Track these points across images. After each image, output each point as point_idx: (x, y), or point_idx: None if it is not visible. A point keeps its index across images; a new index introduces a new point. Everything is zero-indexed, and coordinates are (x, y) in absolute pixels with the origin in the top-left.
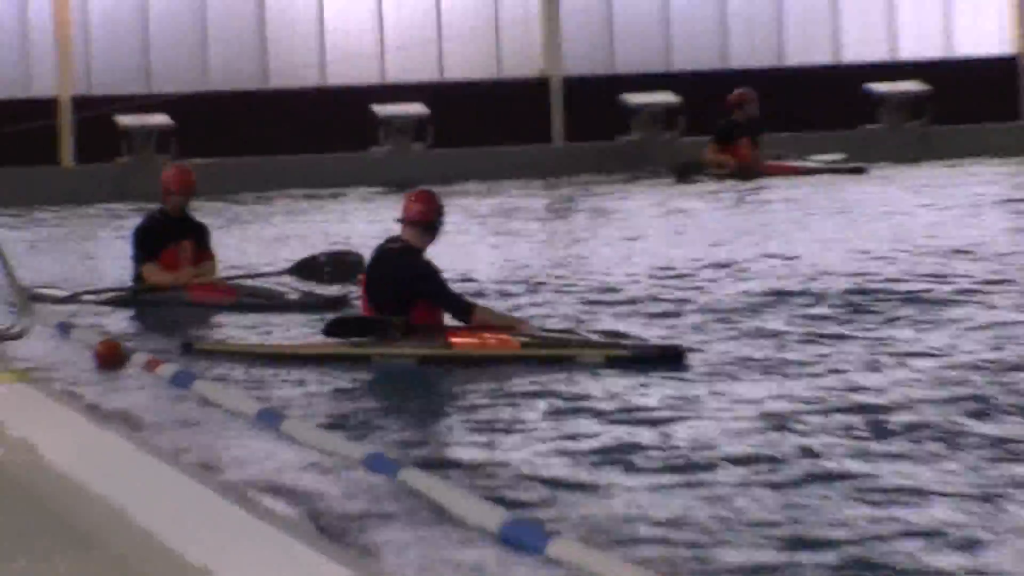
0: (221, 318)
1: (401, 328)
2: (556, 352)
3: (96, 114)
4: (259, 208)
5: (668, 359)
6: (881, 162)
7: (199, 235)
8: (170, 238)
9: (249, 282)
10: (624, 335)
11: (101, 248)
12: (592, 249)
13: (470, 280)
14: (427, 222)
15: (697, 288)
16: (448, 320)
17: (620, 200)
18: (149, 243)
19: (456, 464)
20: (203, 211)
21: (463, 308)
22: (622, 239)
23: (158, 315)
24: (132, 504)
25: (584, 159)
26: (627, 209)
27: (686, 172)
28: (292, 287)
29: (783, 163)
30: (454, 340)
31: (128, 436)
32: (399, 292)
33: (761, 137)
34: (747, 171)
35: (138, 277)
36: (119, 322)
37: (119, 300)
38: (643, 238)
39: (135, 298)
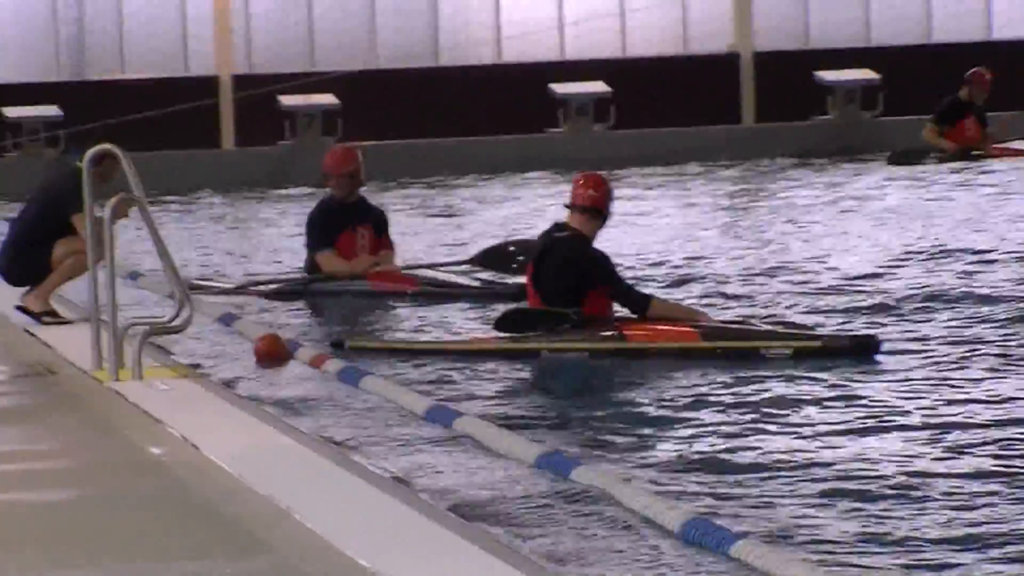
0: (399, 310)
1: (575, 320)
2: (739, 345)
3: (258, 94)
4: (430, 193)
5: (861, 351)
6: None
7: (376, 222)
8: (346, 224)
9: (430, 272)
10: (803, 326)
11: (265, 235)
12: (782, 235)
13: (649, 269)
14: (596, 208)
15: (891, 277)
16: (620, 312)
17: (824, 184)
18: (323, 230)
19: (629, 462)
20: (372, 197)
21: (638, 300)
22: (817, 225)
23: (331, 306)
24: (298, 504)
25: (776, 140)
26: (826, 193)
27: (907, 159)
28: (475, 277)
29: (1010, 146)
30: (628, 332)
31: (293, 435)
32: (569, 282)
33: (986, 118)
34: (966, 153)
35: (312, 266)
36: (287, 314)
37: (291, 291)
38: (841, 225)
39: (308, 288)
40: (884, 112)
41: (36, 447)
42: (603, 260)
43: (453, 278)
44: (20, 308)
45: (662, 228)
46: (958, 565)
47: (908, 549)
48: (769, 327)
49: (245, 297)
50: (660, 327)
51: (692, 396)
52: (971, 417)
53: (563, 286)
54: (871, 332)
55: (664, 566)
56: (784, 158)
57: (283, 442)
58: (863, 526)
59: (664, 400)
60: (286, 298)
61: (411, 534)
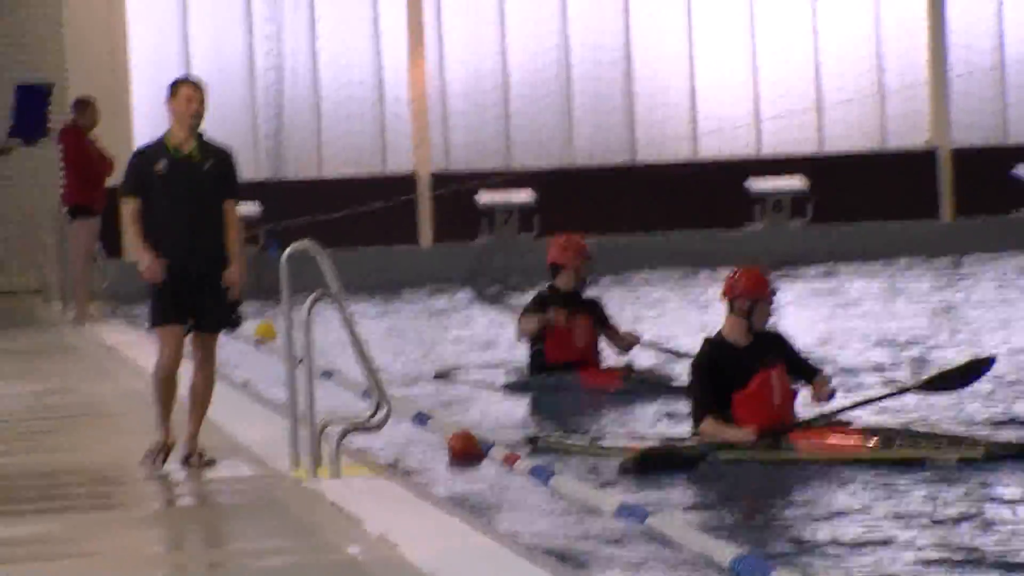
0: (605, 405)
1: (707, 457)
2: (905, 455)
3: (456, 190)
4: (630, 287)
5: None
6: None
7: (594, 312)
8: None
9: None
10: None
11: (469, 332)
12: (975, 332)
13: (836, 361)
14: (727, 300)
15: None
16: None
17: (1013, 279)
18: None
19: (819, 566)
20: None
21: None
22: (1011, 323)
23: (542, 401)
24: None
25: (975, 235)
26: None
27: None
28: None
29: None
30: (800, 443)
31: (488, 534)
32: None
33: None
34: None
35: (534, 360)
36: (488, 409)
37: (518, 385)
38: None
39: (534, 384)
40: None
41: (237, 546)
42: (696, 359)
43: (665, 372)
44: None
45: (858, 322)
46: None
47: None
48: (935, 433)
49: (457, 390)
50: (831, 438)
51: (866, 501)
52: None
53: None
54: None
55: None
56: (983, 253)
57: (479, 542)
58: None
59: (842, 505)
60: (513, 391)
61: None
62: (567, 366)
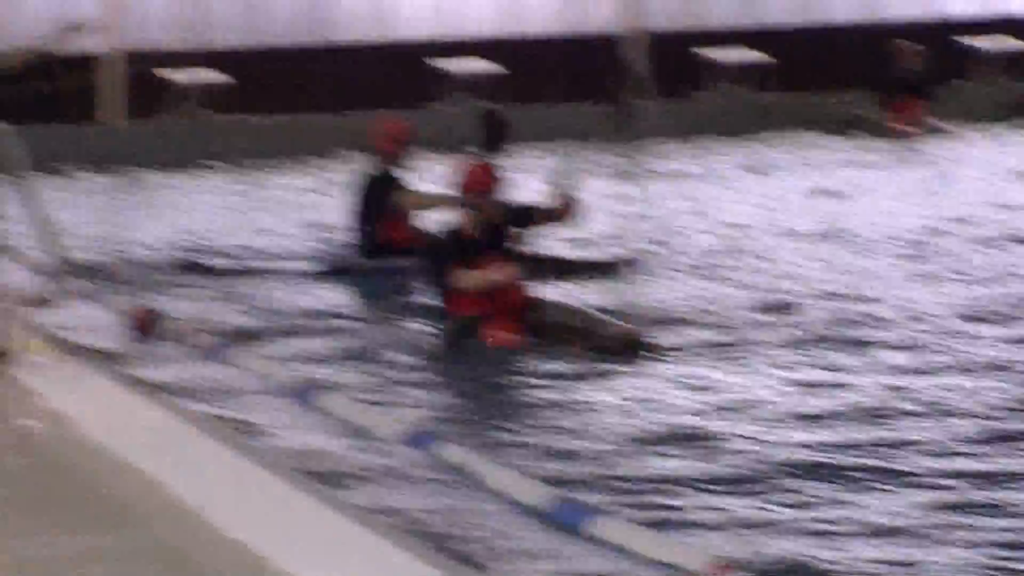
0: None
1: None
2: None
3: (147, 69)
4: (312, 167)
5: (633, 350)
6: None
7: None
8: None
9: None
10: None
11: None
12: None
13: None
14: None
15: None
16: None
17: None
18: (375, 200)
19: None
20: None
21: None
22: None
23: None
24: (169, 477)
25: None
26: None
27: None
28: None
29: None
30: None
31: (164, 406)
32: None
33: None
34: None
35: (369, 241)
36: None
37: (339, 270)
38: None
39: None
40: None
41: None
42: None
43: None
44: None
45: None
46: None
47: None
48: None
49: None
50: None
51: (530, 382)
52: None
53: None
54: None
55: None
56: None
57: (153, 413)
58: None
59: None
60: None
61: (283, 505)
62: (403, 250)
